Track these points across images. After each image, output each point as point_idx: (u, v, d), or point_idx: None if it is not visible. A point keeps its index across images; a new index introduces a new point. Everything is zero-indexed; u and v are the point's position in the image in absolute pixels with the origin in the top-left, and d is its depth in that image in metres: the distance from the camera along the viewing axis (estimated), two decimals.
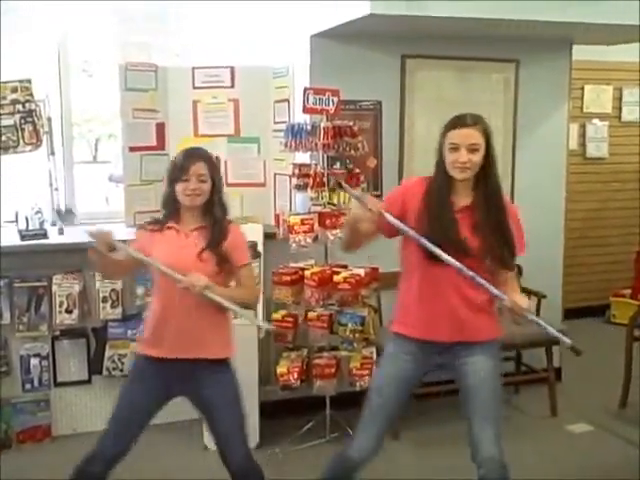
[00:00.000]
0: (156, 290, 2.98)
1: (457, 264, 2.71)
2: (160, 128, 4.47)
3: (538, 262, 4.93)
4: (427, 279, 2.84)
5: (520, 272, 4.91)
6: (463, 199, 2.83)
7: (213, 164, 2.98)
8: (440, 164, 2.82)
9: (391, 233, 2.86)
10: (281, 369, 4.09)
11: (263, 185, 4.54)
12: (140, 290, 4.24)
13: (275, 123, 4.42)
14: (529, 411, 4.72)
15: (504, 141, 4.87)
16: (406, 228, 2.76)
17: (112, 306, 4.20)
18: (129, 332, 4.22)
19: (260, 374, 4.21)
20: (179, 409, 4.44)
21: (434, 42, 4.48)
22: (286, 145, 4.06)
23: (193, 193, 2.87)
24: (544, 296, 4.80)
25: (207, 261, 2.88)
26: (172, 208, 2.96)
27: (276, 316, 4.12)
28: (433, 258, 2.75)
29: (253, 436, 4.16)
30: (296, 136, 4.01)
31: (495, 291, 2.78)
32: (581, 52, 5.10)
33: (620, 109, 6.72)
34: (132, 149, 4.41)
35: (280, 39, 4.53)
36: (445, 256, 2.71)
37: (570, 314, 5.47)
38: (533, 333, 4.59)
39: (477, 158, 2.75)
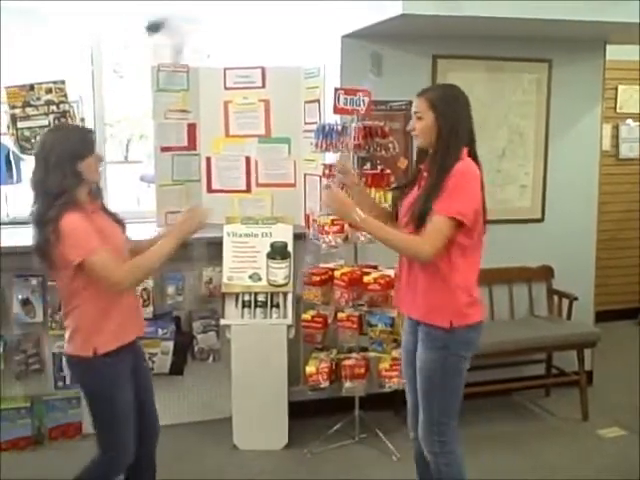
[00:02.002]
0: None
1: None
2: (191, 128, 4.50)
3: (570, 264, 4.91)
4: None
5: (552, 274, 4.89)
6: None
7: None
8: None
9: None
10: (310, 369, 4.09)
11: (293, 185, 4.54)
12: (171, 289, 4.27)
13: (306, 123, 4.42)
14: (560, 414, 4.68)
15: (536, 141, 4.83)
16: None
17: (143, 305, 4.21)
18: (160, 331, 4.24)
19: (289, 374, 4.21)
20: (208, 409, 4.50)
21: (466, 42, 4.46)
22: (317, 145, 4.05)
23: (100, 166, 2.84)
24: (576, 298, 4.76)
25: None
26: (75, 193, 2.70)
27: (305, 316, 4.12)
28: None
29: (282, 436, 4.18)
30: (327, 137, 4.00)
31: None
32: (615, 52, 5.03)
33: None
34: (164, 149, 4.44)
35: (311, 39, 4.54)
36: None
37: (602, 317, 5.41)
38: (565, 335, 4.57)
39: (420, 125, 2.87)
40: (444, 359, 2.87)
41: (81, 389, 2.91)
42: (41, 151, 2.72)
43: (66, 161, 2.67)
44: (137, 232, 4.31)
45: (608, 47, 4.89)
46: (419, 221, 2.78)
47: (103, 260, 2.65)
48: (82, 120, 4.30)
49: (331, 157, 4.14)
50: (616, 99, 6.45)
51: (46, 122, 4.19)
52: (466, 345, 2.88)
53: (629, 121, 6.55)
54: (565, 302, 4.83)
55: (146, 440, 2.99)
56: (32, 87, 4.18)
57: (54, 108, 4.20)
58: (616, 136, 6.53)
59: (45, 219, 2.66)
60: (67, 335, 2.86)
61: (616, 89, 6.39)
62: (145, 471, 3.06)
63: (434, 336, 2.87)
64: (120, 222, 2.94)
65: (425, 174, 2.90)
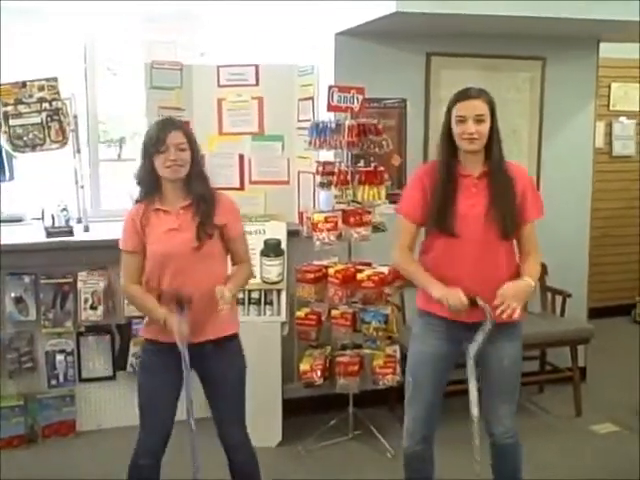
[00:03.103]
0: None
1: None
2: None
3: (564, 261, 4.91)
4: (447, 258, 2.90)
5: (545, 271, 4.89)
6: (477, 170, 2.89)
7: (190, 132, 2.87)
8: (446, 138, 2.89)
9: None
10: (304, 366, 4.09)
11: (287, 183, 4.54)
12: None
13: (299, 121, 4.41)
14: (553, 410, 4.69)
15: (530, 139, 4.84)
16: None
17: None
18: None
19: (283, 371, 4.22)
20: (202, 406, 4.49)
21: (459, 40, 4.45)
22: (310, 143, 4.05)
23: (174, 164, 2.76)
24: (569, 295, 4.77)
25: (204, 241, 2.83)
26: (152, 186, 2.83)
27: (299, 314, 4.12)
28: (451, 236, 2.85)
29: (276, 433, 4.18)
30: (320, 134, 4.00)
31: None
32: (608, 49, 5.05)
33: None
34: None
35: (305, 37, 4.53)
36: None
37: (595, 313, 5.43)
38: (558, 331, 4.58)
39: (484, 128, 2.82)
40: (521, 348, 2.99)
41: None
42: None
43: (143, 154, 2.82)
44: None
45: (601, 45, 4.90)
46: (512, 232, 2.88)
47: (123, 263, 2.92)
48: (75, 118, 4.29)
49: (325, 154, 4.14)
50: (609, 97, 6.47)
51: (38, 120, 4.18)
52: None
53: (622, 119, 6.57)
54: (559, 299, 4.84)
55: (224, 431, 3.06)
56: (24, 84, 4.16)
57: (46, 105, 4.18)
58: (609, 134, 6.55)
59: None
60: None
61: (609, 87, 6.41)
62: (234, 463, 3.10)
63: (514, 329, 2.92)
64: (204, 229, 2.84)
65: (475, 180, 2.87)
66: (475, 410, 2.87)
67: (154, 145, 2.76)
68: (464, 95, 2.86)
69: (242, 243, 3.01)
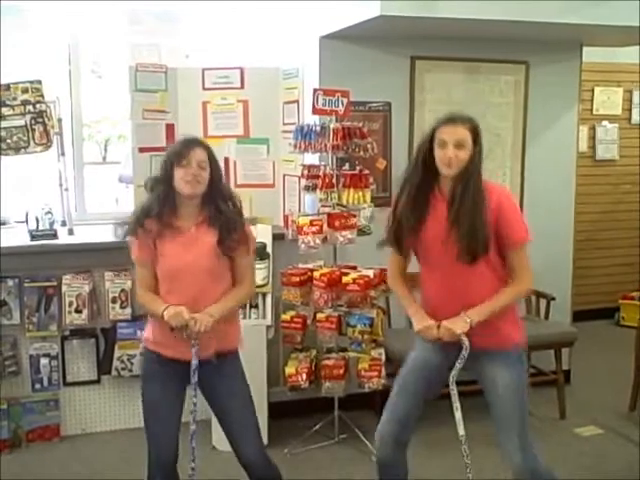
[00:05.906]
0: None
1: None
2: (170, 129, 4.49)
3: (548, 264, 4.92)
4: (424, 277, 2.94)
5: None
6: (445, 189, 2.86)
7: (212, 152, 2.87)
8: (422, 155, 2.86)
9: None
10: (290, 370, 4.09)
11: (272, 186, 4.55)
12: None
13: (284, 124, 4.43)
14: (537, 414, 4.69)
15: (514, 143, 4.86)
16: None
17: (121, 306, 4.21)
18: (138, 332, 4.21)
19: (268, 375, 4.21)
20: (187, 410, 4.48)
21: (444, 43, 4.48)
22: (295, 146, 4.06)
23: (194, 179, 2.77)
24: (553, 298, 4.79)
25: (218, 256, 2.83)
26: (166, 199, 2.82)
27: (285, 317, 4.12)
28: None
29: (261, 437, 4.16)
30: (305, 137, 4.01)
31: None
32: (591, 54, 5.09)
33: (630, 111, 6.70)
34: (142, 150, 4.42)
35: (290, 40, 4.54)
36: None
37: (579, 316, 5.46)
38: (542, 335, 4.60)
39: (463, 154, 2.77)
40: (524, 372, 3.00)
41: None
42: None
43: (163, 166, 2.84)
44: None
45: (584, 49, 4.94)
46: (471, 255, 2.76)
47: (136, 272, 2.98)
48: (59, 120, 4.27)
49: (310, 158, 4.15)
50: (592, 101, 6.51)
51: (22, 122, 4.16)
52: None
53: (605, 123, 6.62)
54: (543, 302, 4.86)
55: (240, 449, 3.01)
56: (8, 87, 4.15)
57: (30, 108, 4.17)
58: (593, 137, 6.59)
59: None
60: None
61: (592, 91, 6.46)
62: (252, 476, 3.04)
63: (507, 356, 2.92)
64: (223, 244, 2.83)
65: (439, 203, 2.85)
66: (461, 430, 2.91)
67: (177, 158, 2.78)
68: (448, 120, 2.83)
69: (245, 264, 2.94)
